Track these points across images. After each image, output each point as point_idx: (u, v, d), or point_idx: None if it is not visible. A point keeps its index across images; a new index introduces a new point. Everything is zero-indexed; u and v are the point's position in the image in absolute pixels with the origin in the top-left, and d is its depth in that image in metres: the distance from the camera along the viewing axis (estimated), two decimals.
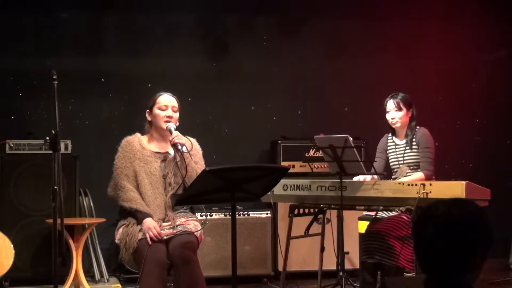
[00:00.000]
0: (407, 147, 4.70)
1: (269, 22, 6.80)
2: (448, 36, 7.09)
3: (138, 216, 3.96)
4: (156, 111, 4.13)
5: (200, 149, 4.24)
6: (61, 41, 6.39)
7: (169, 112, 4.11)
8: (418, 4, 7.00)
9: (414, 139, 4.69)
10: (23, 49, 6.30)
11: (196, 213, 4.26)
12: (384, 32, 6.95)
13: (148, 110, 4.18)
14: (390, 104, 4.71)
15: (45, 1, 6.39)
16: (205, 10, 6.67)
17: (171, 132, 4.07)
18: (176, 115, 4.16)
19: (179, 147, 4.02)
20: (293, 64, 6.80)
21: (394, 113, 4.70)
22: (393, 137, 4.83)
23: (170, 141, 4.07)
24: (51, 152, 3.73)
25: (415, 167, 4.66)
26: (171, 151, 4.13)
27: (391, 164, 4.81)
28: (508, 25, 7.19)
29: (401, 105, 4.68)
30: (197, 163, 4.12)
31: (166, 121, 4.10)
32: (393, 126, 4.76)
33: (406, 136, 4.72)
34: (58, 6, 6.39)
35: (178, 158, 4.08)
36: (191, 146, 4.11)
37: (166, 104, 4.13)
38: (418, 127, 4.73)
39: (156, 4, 6.57)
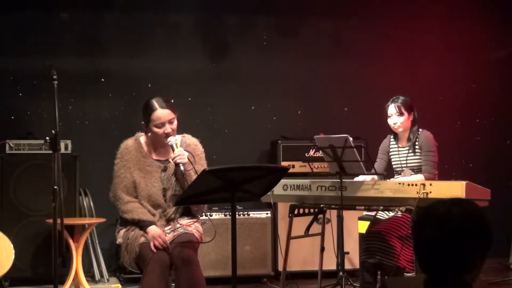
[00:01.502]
0: (410, 151, 4.69)
1: (269, 22, 6.80)
2: (448, 36, 7.09)
3: (141, 226, 3.90)
4: (154, 128, 3.94)
5: (203, 151, 4.13)
6: (61, 41, 6.39)
7: (167, 128, 3.93)
8: (418, 4, 7.00)
9: (417, 143, 4.68)
10: (23, 49, 6.30)
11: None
12: (384, 32, 6.95)
13: (143, 123, 4.01)
14: (391, 109, 4.69)
15: (45, 1, 6.39)
16: (205, 10, 6.67)
17: (173, 149, 3.93)
18: (175, 125, 3.98)
19: (181, 167, 3.90)
20: (293, 64, 6.79)
21: (396, 118, 4.67)
22: (396, 140, 4.82)
23: (172, 159, 3.94)
24: (51, 152, 3.72)
25: (419, 170, 4.65)
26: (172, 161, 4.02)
27: (394, 167, 4.80)
28: (508, 25, 7.19)
29: (403, 110, 4.66)
30: (199, 171, 3.96)
31: (166, 137, 3.94)
32: (395, 131, 4.75)
33: (409, 140, 4.71)
34: (58, 6, 6.39)
35: (179, 174, 3.97)
36: (194, 159, 4.00)
37: (162, 121, 3.91)
38: (420, 130, 4.72)
39: (156, 4, 6.57)
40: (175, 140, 3.94)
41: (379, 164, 4.79)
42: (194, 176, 3.84)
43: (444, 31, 7.09)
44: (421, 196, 4.03)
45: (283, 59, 6.78)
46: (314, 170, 5.79)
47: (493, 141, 7.15)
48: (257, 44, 6.76)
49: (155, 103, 3.94)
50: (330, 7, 6.83)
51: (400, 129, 4.71)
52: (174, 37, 6.62)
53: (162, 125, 3.92)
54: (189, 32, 6.66)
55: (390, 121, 4.71)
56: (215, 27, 6.71)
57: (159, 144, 4.04)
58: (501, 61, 7.24)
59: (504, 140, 7.23)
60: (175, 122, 3.99)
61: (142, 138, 4.08)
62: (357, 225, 5.50)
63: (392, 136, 4.85)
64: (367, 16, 6.90)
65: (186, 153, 3.96)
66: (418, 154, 4.67)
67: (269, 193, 4.04)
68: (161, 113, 3.92)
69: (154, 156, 4.04)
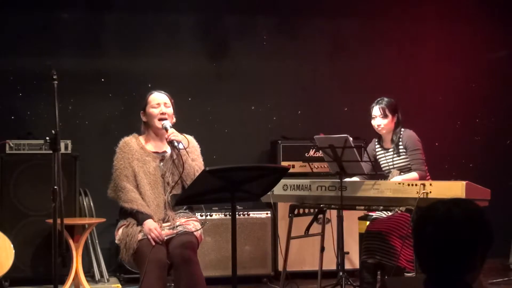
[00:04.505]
0: (395, 153, 4.73)
1: (269, 22, 6.80)
2: (448, 36, 7.09)
3: (139, 217, 3.95)
4: (149, 110, 4.13)
5: (198, 146, 4.23)
6: (61, 41, 6.39)
7: (162, 109, 4.11)
8: (418, 4, 7.00)
9: (400, 143, 4.70)
10: (23, 49, 6.29)
11: (196, 213, 4.26)
12: (384, 32, 6.95)
13: (142, 111, 4.18)
14: (376, 111, 4.72)
15: (45, 1, 6.39)
16: (205, 10, 6.67)
17: (166, 130, 4.06)
18: (170, 110, 4.15)
19: (175, 144, 4.01)
20: (293, 64, 6.79)
21: (380, 120, 4.71)
22: (381, 143, 4.85)
23: (166, 139, 4.06)
24: (51, 152, 3.72)
25: (406, 170, 4.68)
26: (169, 150, 4.12)
27: (382, 168, 4.84)
28: (508, 25, 7.19)
29: (387, 112, 4.69)
30: (194, 160, 4.11)
31: (161, 119, 4.10)
32: (379, 133, 4.78)
33: (392, 141, 4.74)
34: (58, 6, 6.39)
35: (174, 156, 4.07)
36: (188, 143, 4.09)
37: (158, 102, 4.13)
38: (403, 129, 4.74)
39: (156, 4, 6.57)
40: (169, 123, 4.10)
41: (365, 166, 4.78)
42: (188, 158, 4.03)
43: (444, 32, 7.09)
44: (421, 196, 4.04)
45: (283, 59, 6.78)
46: (314, 170, 5.79)
47: (493, 141, 7.14)
48: (257, 44, 6.76)
49: (153, 90, 4.25)
50: (330, 7, 6.83)
51: (384, 131, 4.74)
52: (174, 37, 6.62)
53: (157, 105, 4.13)
54: (189, 32, 6.66)
55: (374, 123, 4.75)
56: (215, 27, 6.71)
57: (154, 134, 4.16)
58: (501, 61, 7.24)
59: (504, 140, 7.22)
60: (171, 109, 4.17)
61: (140, 137, 4.21)
62: (357, 225, 5.50)
63: (376, 140, 4.89)
64: (367, 16, 6.90)
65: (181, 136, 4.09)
66: (403, 154, 4.71)
67: (269, 193, 4.05)
68: (157, 95, 4.19)
69: (151, 149, 4.14)
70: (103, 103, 6.46)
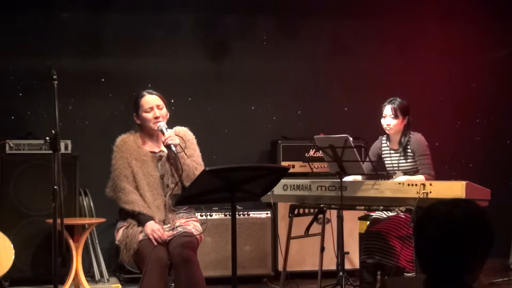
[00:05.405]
0: (402, 156, 4.72)
1: (269, 22, 6.80)
2: (448, 36, 7.09)
3: (140, 219, 3.94)
4: (143, 114, 4.10)
5: (194, 137, 4.20)
6: (61, 41, 6.38)
7: (156, 112, 4.07)
8: (418, 4, 7.00)
9: (408, 147, 4.69)
10: (23, 49, 6.29)
11: (196, 213, 4.26)
12: (384, 32, 6.95)
13: (135, 114, 4.15)
14: (387, 110, 4.71)
15: (45, 1, 6.39)
16: (205, 10, 6.67)
17: (163, 133, 4.04)
18: (164, 111, 4.12)
19: (173, 148, 3.99)
20: (293, 64, 6.79)
21: (390, 119, 4.70)
22: (388, 142, 4.84)
23: (163, 142, 4.04)
24: (51, 152, 3.73)
25: (411, 173, 4.68)
26: (165, 149, 4.10)
27: (387, 169, 4.83)
28: (508, 25, 7.19)
29: (398, 113, 4.68)
30: (192, 155, 4.09)
31: (156, 122, 4.07)
32: (387, 132, 4.77)
33: (400, 143, 4.73)
34: (58, 6, 6.39)
35: (172, 159, 4.05)
36: (185, 144, 4.07)
37: (151, 105, 4.08)
38: (412, 133, 4.73)
39: (156, 4, 6.57)
40: (164, 124, 4.07)
41: (367, 165, 4.78)
42: (186, 159, 4.00)
43: (444, 31, 7.09)
44: (421, 196, 4.04)
45: (283, 59, 6.78)
46: (314, 170, 5.79)
47: (493, 141, 7.14)
48: (257, 44, 6.76)
49: (143, 91, 4.19)
50: (330, 7, 6.83)
51: (392, 131, 4.73)
52: (174, 37, 6.61)
53: (150, 109, 4.09)
54: (189, 32, 6.65)
55: (384, 122, 4.73)
56: (215, 27, 6.71)
57: (151, 135, 4.15)
58: (501, 61, 7.24)
59: (504, 140, 7.22)
60: (165, 110, 4.14)
61: (137, 134, 4.18)
62: (357, 225, 5.50)
63: (384, 138, 4.87)
64: (367, 16, 6.90)
65: (177, 138, 4.06)
66: (410, 158, 4.70)
67: (269, 193, 4.05)
68: (149, 97, 4.13)
69: (148, 148, 4.12)
70: (103, 103, 6.46)
